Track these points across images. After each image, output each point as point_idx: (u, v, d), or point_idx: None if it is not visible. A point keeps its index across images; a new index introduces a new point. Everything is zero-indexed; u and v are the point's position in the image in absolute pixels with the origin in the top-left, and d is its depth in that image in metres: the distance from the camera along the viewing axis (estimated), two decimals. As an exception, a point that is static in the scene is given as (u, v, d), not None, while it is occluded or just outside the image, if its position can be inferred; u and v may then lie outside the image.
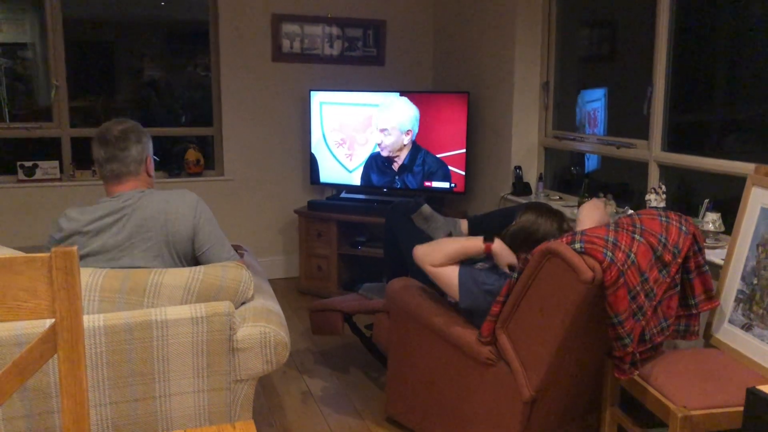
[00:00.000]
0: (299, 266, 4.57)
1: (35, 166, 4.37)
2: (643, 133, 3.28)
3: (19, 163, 4.34)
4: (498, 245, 2.41)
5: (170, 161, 4.74)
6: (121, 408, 1.89)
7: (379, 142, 4.40)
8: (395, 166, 4.43)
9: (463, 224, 2.96)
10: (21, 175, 4.33)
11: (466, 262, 2.44)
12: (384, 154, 4.41)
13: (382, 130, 4.38)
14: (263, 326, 1.99)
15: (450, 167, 4.28)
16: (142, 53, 6.00)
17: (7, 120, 4.80)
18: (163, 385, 1.92)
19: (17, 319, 1.16)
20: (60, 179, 4.40)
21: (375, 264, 4.56)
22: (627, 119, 3.73)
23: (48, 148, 4.57)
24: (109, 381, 1.86)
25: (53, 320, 1.17)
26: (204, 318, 1.90)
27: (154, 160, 2.37)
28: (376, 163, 4.49)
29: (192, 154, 4.63)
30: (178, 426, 1.95)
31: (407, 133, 4.35)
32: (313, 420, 2.84)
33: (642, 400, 2.17)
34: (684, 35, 3.13)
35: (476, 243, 2.42)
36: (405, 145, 4.37)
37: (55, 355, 1.18)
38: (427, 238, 2.85)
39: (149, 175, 2.31)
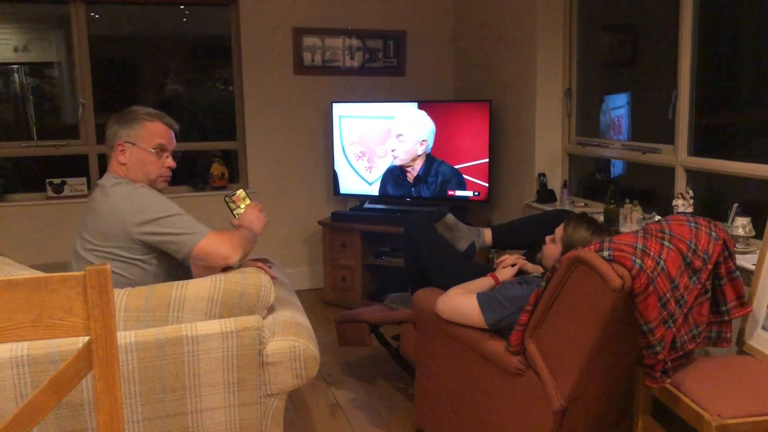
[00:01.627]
0: (324, 277, 4.58)
1: (63, 182, 4.44)
2: (669, 137, 3.25)
3: (47, 180, 4.41)
4: (505, 274, 2.61)
5: (195, 175, 4.78)
6: (154, 424, 1.90)
7: (393, 148, 4.40)
8: (410, 177, 4.43)
9: (487, 234, 2.95)
10: (50, 192, 4.41)
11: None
12: (397, 162, 4.41)
13: (398, 136, 4.38)
14: (293, 340, 2.00)
15: (469, 177, 4.27)
16: (165, 69, 6.07)
17: (35, 138, 4.88)
18: (195, 400, 1.93)
19: (54, 337, 1.18)
20: (87, 195, 4.46)
21: (399, 274, 4.54)
22: (651, 124, 3.69)
23: (75, 165, 4.64)
24: (141, 397, 1.87)
25: (88, 338, 1.19)
26: (234, 332, 1.92)
27: (152, 152, 2.26)
28: (392, 177, 4.49)
29: (216, 168, 4.68)
30: (210, 440, 1.96)
31: (422, 143, 4.34)
32: (342, 432, 2.85)
33: (675, 409, 2.14)
34: (708, 37, 3.10)
35: (485, 282, 2.57)
36: (419, 156, 4.37)
37: (89, 373, 1.20)
38: (449, 246, 2.84)
39: (121, 164, 2.25)
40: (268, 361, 1.97)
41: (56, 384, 1.18)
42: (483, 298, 2.36)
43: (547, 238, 2.56)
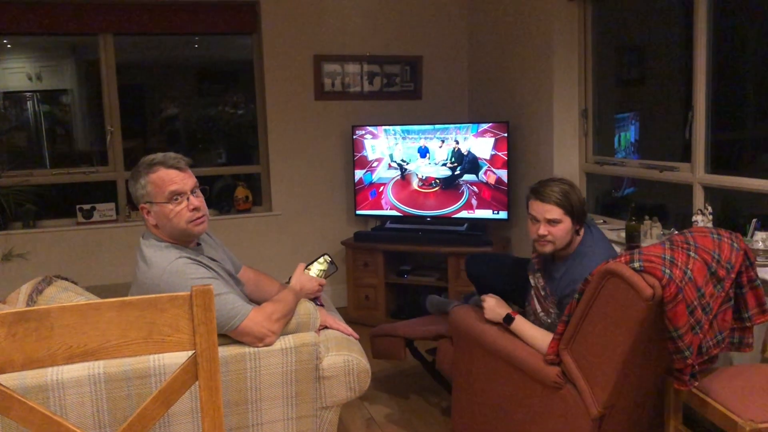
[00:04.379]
0: (347, 296, 4.70)
1: (93, 208, 4.57)
2: (683, 155, 3.38)
3: (78, 206, 4.54)
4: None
5: (219, 199, 4.91)
6: (219, 435, 2.01)
7: (419, 174, 4.55)
8: (431, 198, 4.58)
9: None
10: (80, 218, 4.54)
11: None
12: (423, 188, 4.56)
13: (426, 155, 4.55)
14: (346, 355, 2.12)
15: (489, 196, 4.41)
16: (177, 94, 6.22)
17: (48, 165, 5.01)
18: (256, 414, 2.04)
19: (163, 352, 1.29)
20: (116, 220, 4.60)
21: (421, 291, 4.67)
22: (664, 142, 3.84)
23: (97, 191, 4.77)
24: (207, 410, 1.99)
25: (193, 352, 1.30)
26: (292, 348, 2.04)
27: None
28: (415, 198, 4.63)
29: (241, 192, 4.82)
30: (270, 451, 2.07)
31: (447, 165, 4.50)
32: (380, 445, 2.95)
33: (706, 415, 2.24)
34: (719, 58, 3.24)
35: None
36: (443, 179, 4.53)
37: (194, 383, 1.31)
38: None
39: (153, 225, 2.15)
40: (323, 375, 2.09)
41: (164, 395, 1.30)
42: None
43: (542, 228, 2.51)
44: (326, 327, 2.29)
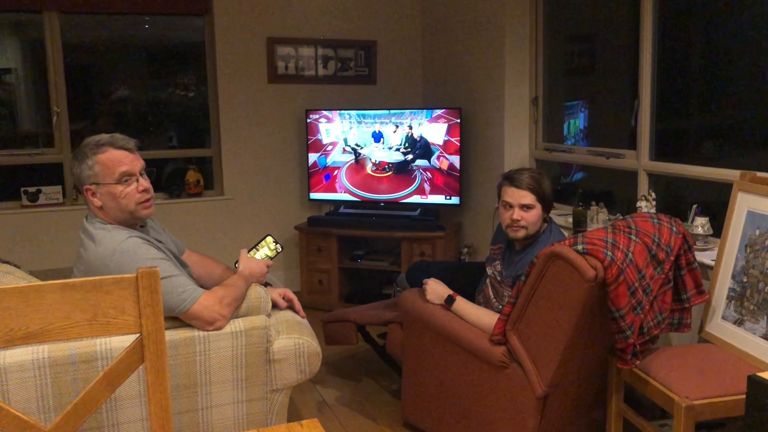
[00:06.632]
0: (300, 281, 4.70)
1: (39, 191, 4.46)
2: (629, 142, 3.47)
3: (22, 188, 4.42)
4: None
5: (169, 183, 4.84)
6: (168, 419, 2.00)
7: (372, 158, 4.56)
8: (385, 182, 4.60)
9: None
10: (25, 201, 4.42)
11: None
12: (377, 173, 4.58)
13: (380, 141, 4.56)
14: (297, 338, 2.13)
15: (441, 182, 4.45)
16: (126, 75, 6.07)
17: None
18: (205, 397, 2.04)
19: (108, 335, 1.29)
20: (63, 203, 4.49)
21: (375, 276, 4.70)
22: (612, 130, 3.93)
23: (42, 173, 4.64)
24: (155, 394, 1.98)
25: (138, 335, 1.30)
26: (243, 332, 2.04)
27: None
28: (368, 182, 4.64)
29: (192, 175, 4.75)
30: (220, 434, 2.07)
31: (400, 151, 4.52)
32: (332, 429, 2.97)
33: (646, 393, 2.33)
34: (664, 50, 3.33)
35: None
36: (395, 163, 4.55)
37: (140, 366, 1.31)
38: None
39: (97, 207, 2.09)
40: (274, 358, 2.10)
41: (110, 377, 1.29)
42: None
43: (516, 213, 2.57)
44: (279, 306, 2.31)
